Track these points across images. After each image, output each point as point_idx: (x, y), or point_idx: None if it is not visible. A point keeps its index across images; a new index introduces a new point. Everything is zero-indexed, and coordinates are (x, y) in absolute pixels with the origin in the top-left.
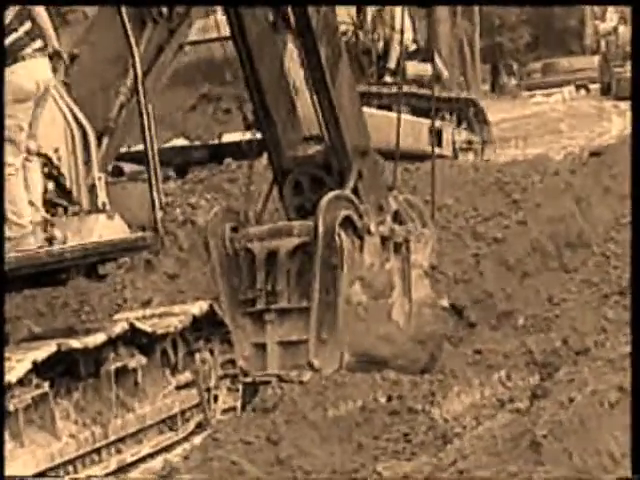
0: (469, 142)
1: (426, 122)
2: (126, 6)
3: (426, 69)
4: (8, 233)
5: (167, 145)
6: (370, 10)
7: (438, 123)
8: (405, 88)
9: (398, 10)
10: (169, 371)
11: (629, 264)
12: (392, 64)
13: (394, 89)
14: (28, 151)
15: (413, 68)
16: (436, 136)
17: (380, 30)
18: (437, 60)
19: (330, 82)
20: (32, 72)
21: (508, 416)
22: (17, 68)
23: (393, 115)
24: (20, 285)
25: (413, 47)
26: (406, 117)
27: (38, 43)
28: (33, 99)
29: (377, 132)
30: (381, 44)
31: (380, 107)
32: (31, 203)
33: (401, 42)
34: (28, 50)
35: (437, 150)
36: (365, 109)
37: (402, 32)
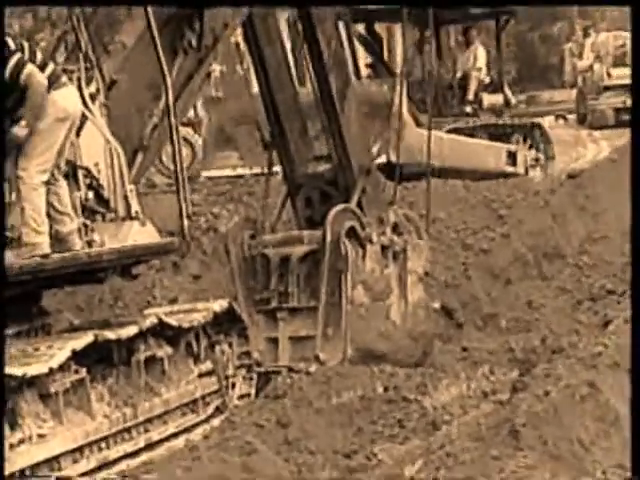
0: (536, 159)
1: (504, 146)
2: (159, 35)
3: (498, 98)
4: (25, 238)
5: None
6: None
7: (513, 146)
8: (483, 117)
9: (479, 51)
10: (192, 361)
11: (600, 274)
12: (471, 96)
13: (477, 121)
14: (58, 168)
15: (487, 99)
16: (512, 157)
17: (459, 66)
18: (506, 89)
19: (339, 109)
20: (72, 97)
21: (491, 406)
22: (61, 92)
23: (471, 140)
24: (62, 282)
25: (487, 80)
26: (487, 143)
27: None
28: (71, 121)
29: (470, 157)
30: (459, 75)
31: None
32: (61, 213)
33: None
34: (64, 78)
35: (512, 169)
36: (458, 137)
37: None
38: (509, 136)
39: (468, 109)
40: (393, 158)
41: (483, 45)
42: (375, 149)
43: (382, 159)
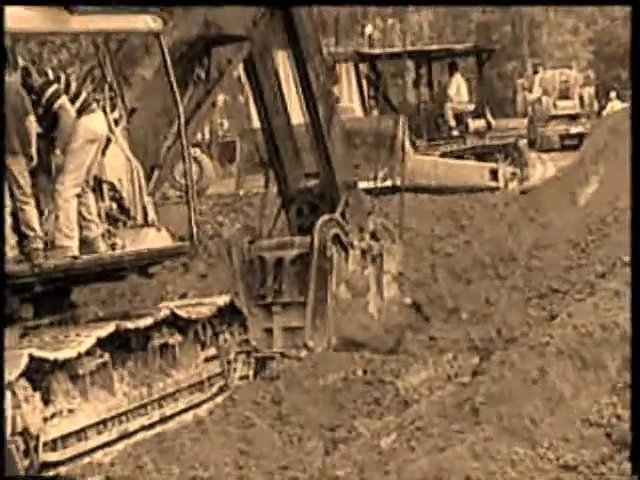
0: (513, 174)
1: (487, 165)
2: (172, 70)
3: (481, 122)
4: (58, 242)
5: None
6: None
7: (494, 164)
8: (469, 140)
9: (461, 82)
10: (199, 347)
11: (547, 275)
12: (452, 122)
13: (462, 144)
14: (86, 182)
15: (472, 123)
16: (494, 173)
17: (447, 96)
18: (488, 115)
19: (326, 133)
20: (100, 121)
21: (454, 388)
22: (91, 117)
23: (460, 162)
24: (89, 279)
25: (470, 107)
26: (473, 163)
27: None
28: (99, 142)
29: (459, 176)
30: (448, 104)
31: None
32: (89, 220)
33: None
34: (94, 105)
35: (494, 183)
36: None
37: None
38: (492, 155)
39: (456, 132)
40: (398, 182)
41: (463, 77)
42: (381, 174)
43: (388, 183)
